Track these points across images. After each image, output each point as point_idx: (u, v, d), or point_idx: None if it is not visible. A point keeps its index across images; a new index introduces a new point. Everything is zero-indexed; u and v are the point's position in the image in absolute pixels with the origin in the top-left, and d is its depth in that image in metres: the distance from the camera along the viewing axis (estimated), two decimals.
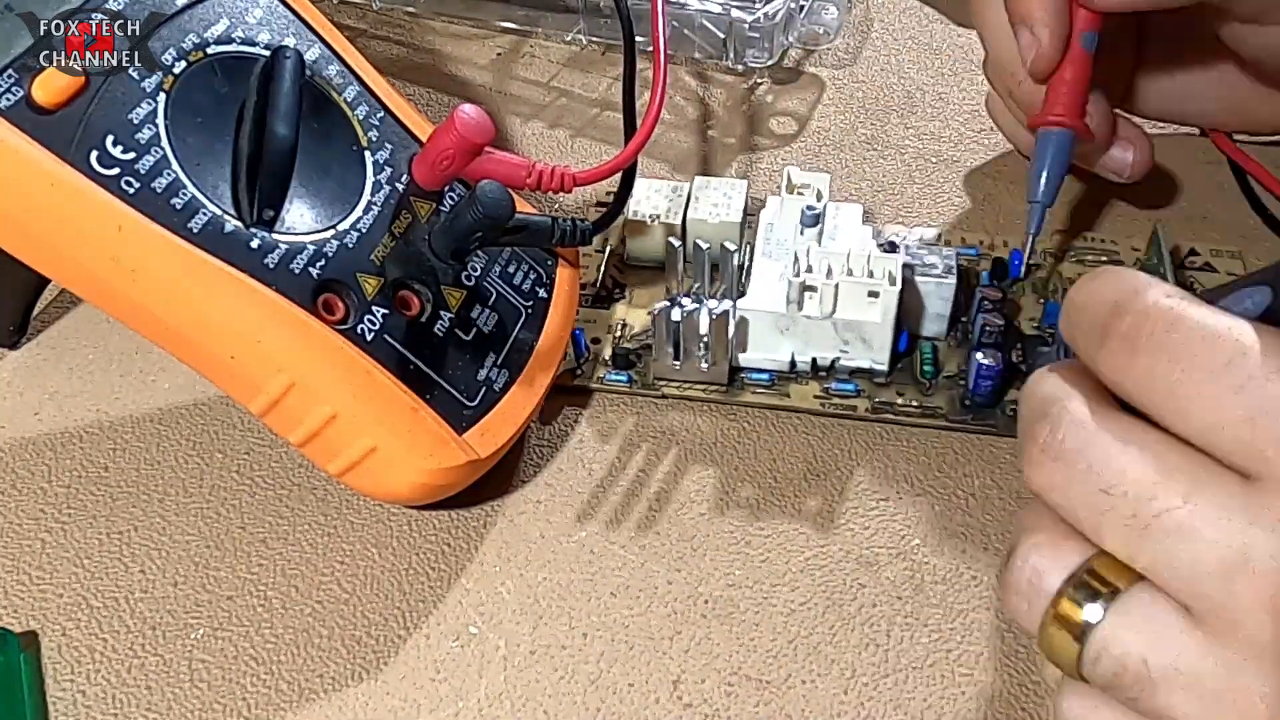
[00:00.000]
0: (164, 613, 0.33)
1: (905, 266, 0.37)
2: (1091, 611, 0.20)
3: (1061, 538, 0.21)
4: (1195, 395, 0.20)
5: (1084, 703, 0.21)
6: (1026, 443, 0.22)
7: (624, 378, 0.38)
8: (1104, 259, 0.41)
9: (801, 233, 0.39)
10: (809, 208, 0.39)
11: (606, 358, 0.39)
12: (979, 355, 0.36)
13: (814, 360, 0.38)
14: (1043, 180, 0.38)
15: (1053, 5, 0.34)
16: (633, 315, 0.40)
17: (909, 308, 0.38)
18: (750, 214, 0.41)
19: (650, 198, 0.41)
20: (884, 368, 0.37)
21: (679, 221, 0.40)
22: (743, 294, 0.37)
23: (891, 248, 0.38)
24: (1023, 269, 0.40)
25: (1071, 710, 0.21)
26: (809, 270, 0.37)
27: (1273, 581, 0.19)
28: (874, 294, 0.36)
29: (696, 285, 0.38)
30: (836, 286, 0.36)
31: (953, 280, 0.37)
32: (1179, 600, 0.20)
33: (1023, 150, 0.42)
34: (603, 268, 0.41)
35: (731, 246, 0.37)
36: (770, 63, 0.49)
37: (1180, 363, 0.20)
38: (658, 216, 0.40)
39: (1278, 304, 0.20)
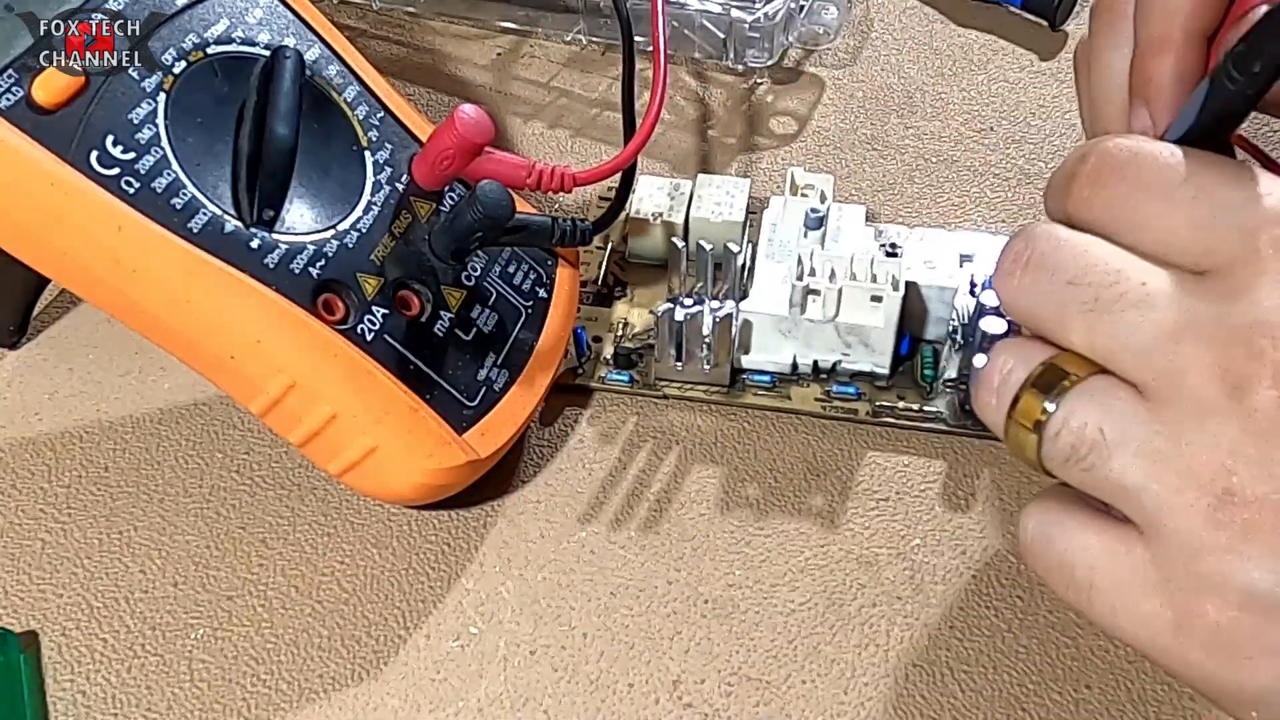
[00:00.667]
0: (164, 613, 0.33)
1: (908, 270, 0.37)
2: (1050, 403, 0.22)
3: (1031, 341, 0.23)
4: (1153, 211, 0.22)
5: (1041, 515, 0.23)
6: (1001, 260, 0.23)
7: (625, 377, 0.38)
8: None
9: (805, 235, 0.39)
10: (813, 210, 0.39)
11: (608, 357, 0.39)
12: (980, 360, 0.36)
13: (815, 363, 0.38)
14: None
15: (1180, 88, 0.29)
16: (634, 314, 0.40)
17: (911, 311, 0.38)
18: (752, 213, 0.41)
19: (652, 195, 0.41)
20: (885, 371, 0.37)
21: (681, 220, 0.40)
22: (745, 295, 0.37)
23: (894, 251, 0.38)
24: None
25: (1030, 523, 0.23)
26: (812, 273, 0.37)
27: (1214, 343, 0.20)
28: (876, 298, 0.36)
29: (699, 285, 0.38)
30: (839, 290, 0.36)
31: (955, 284, 0.37)
32: (1131, 378, 0.21)
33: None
34: (604, 265, 0.41)
35: (735, 247, 0.37)
36: (770, 63, 0.49)
37: (1139, 188, 0.22)
38: (660, 214, 0.40)
39: (1214, 87, 0.22)
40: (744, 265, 0.38)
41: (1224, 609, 0.20)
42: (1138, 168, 0.22)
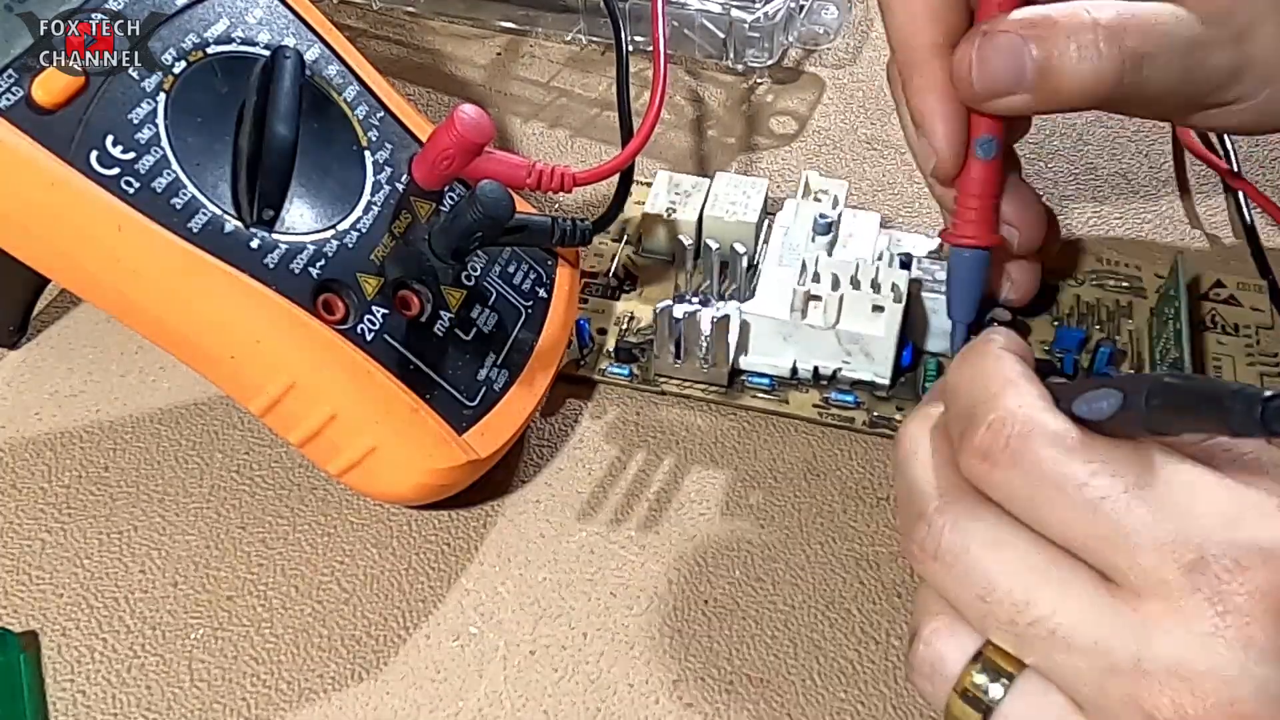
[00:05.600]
0: (164, 613, 0.33)
1: (913, 281, 0.37)
2: (994, 690, 0.22)
3: (959, 622, 0.23)
4: (1052, 511, 0.21)
5: None
6: (904, 531, 0.23)
7: (625, 371, 0.38)
8: (1125, 284, 0.40)
9: (813, 239, 0.39)
10: (821, 215, 0.39)
11: (610, 350, 0.39)
12: None
13: (815, 369, 0.37)
14: (957, 301, 0.36)
15: (948, 113, 0.32)
16: (641, 309, 0.40)
17: (915, 322, 0.38)
18: (770, 213, 0.41)
19: (668, 191, 0.41)
20: (885, 381, 0.37)
21: (690, 218, 0.40)
22: (751, 296, 0.37)
23: (906, 263, 0.37)
24: None
25: None
26: (816, 279, 0.37)
27: (1137, 689, 0.20)
28: (878, 308, 0.36)
29: (705, 284, 0.38)
30: (841, 298, 0.36)
31: None
32: (1063, 690, 0.22)
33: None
34: (616, 259, 0.41)
35: (741, 248, 0.37)
36: (770, 63, 0.49)
37: (1034, 481, 0.21)
38: (673, 211, 0.40)
39: (1126, 408, 0.21)
40: (754, 267, 0.38)
41: None
42: (1033, 456, 0.21)
